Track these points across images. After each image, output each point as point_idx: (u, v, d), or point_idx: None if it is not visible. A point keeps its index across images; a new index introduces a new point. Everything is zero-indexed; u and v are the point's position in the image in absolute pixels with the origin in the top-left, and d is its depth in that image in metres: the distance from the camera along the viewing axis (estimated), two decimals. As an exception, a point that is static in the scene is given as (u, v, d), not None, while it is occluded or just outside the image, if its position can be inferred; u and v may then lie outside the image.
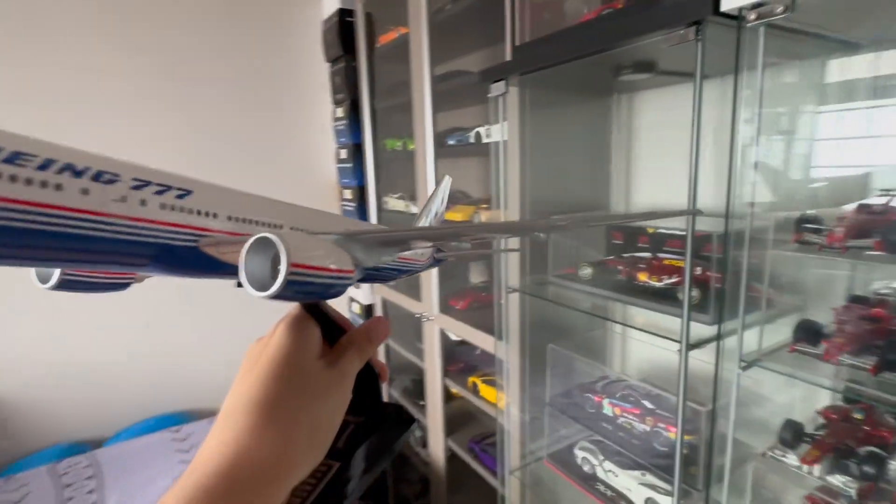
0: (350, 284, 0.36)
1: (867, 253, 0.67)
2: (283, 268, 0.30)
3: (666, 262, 1.09)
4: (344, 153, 2.21)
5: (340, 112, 2.17)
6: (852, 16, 0.68)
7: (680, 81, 1.15)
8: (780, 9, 0.60)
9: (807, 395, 0.88)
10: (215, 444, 0.31)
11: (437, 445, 1.91)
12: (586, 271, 1.19)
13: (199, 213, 0.35)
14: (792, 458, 0.76)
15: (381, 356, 2.17)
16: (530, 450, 1.40)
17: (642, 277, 1.08)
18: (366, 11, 1.96)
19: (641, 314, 1.06)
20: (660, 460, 1.06)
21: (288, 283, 0.30)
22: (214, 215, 0.35)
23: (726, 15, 0.66)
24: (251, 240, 0.31)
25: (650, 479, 1.11)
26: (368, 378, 0.44)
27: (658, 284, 1.06)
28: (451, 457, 1.89)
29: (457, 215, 1.64)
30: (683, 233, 1.06)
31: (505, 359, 1.35)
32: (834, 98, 0.83)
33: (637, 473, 1.14)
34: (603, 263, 1.22)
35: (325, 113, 2.32)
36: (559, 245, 1.29)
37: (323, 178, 2.40)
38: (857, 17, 0.69)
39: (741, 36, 0.66)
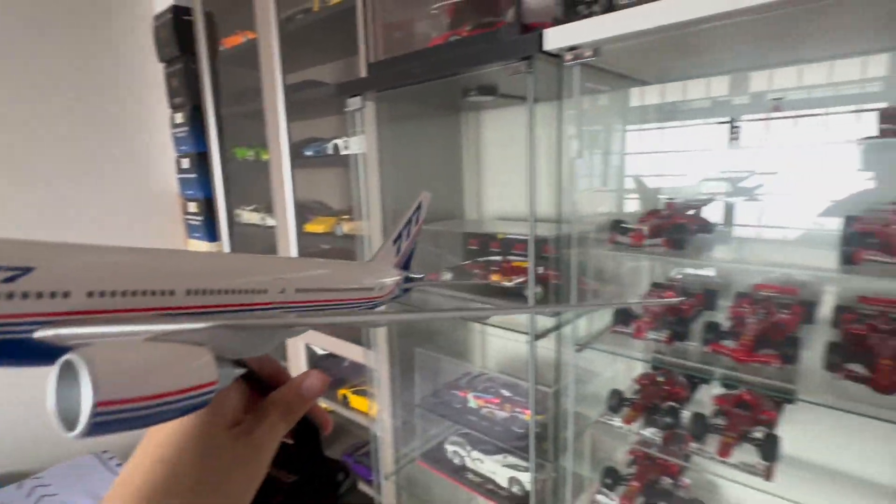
0: (211, 397, 0.29)
1: (659, 249, 0.85)
2: (84, 409, 0.23)
3: (514, 263, 1.22)
4: (186, 162, 2.02)
5: (180, 118, 1.97)
6: (644, 61, 0.86)
7: (519, 103, 1.30)
8: (588, 52, 0.73)
9: (627, 368, 1.07)
10: None
11: (308, 465, 1.84)
12: (447, 276, 1.28)
13: (40, 295, 0.27)
14: (617, 421, 0.92)
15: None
16: (404, 453, 1.44)
17: (495, 278, 1.19)
18: (206, 10, 1.82)
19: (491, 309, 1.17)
20: (519, 442, 1.19)
21: (97, 427, 0.23)
22: (66, 294, 0.27)
23: (550, 53, 0.78)
24: (56, 366, 0.25)
25: (511, 460, 1.23)
26: (306, 432, 0.39)
27: (509, 284, 1.18)
28: (325, 474, 1.85)
29: (318, 227, 1.62)
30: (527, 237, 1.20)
31: (374, 367, 1.38)
32: (637, 119, 1.03)
33: (500, 457, 1.25)
34: (462, 268, 1.31)
35: (161, 118, 2.09)
36: (422, 252, 1.35)
37: (162, 190, 2.15)
38: (646, 63, 0.87)
39: (561, 70, 0.79)
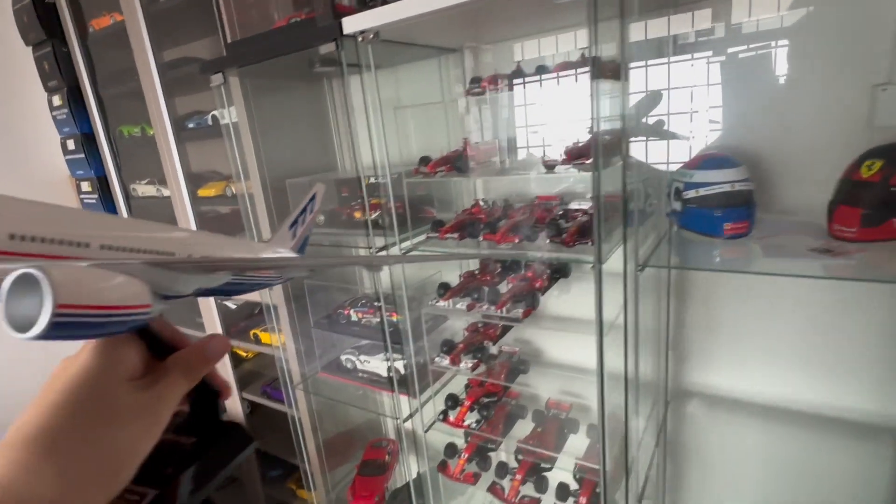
0: (147, 318, 0.34)
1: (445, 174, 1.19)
2: (45, 309, 0.27)
3: (373, 201, 1.52)
4: (71, 144, 2.10)
5: (58, 100, 2.04)
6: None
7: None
8: (372, 36, 1.02)
9: (453, 266, 1.43)
10: None
11: (234, 404, 2.11)
12: (321, 218, 1.56)
13: None
14: (443, 303, 1.27)
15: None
16: (309, 369, 1.75)
17: (357, 215, 1.50)
18: (68, -7, 1.88)
19: (352, 239, 1.49)
20: (390, 340, 1.53)
21: (56, 326, 0.27)
22: None
23: (351, 35, 1.06)
24: (12, 276, 0.28)
25: (389, 355, 1.58)
26: (205, 396, 0.42)
27: (368, 218, 1.49)
28: (252, 409, 2.12)
29: (210, 191, 1.82)
30: (383, 181, 1.51)
31: (271, 303, 1.65)
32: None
33: (381, 356, 1.60)
34: (333, 210, 1.60)
35: (38, 102, 2.13)
36: (299, 202, 1.62)
37: (51, 173, 2.21)
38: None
39: (359, 47, 1.07)
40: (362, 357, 1.64)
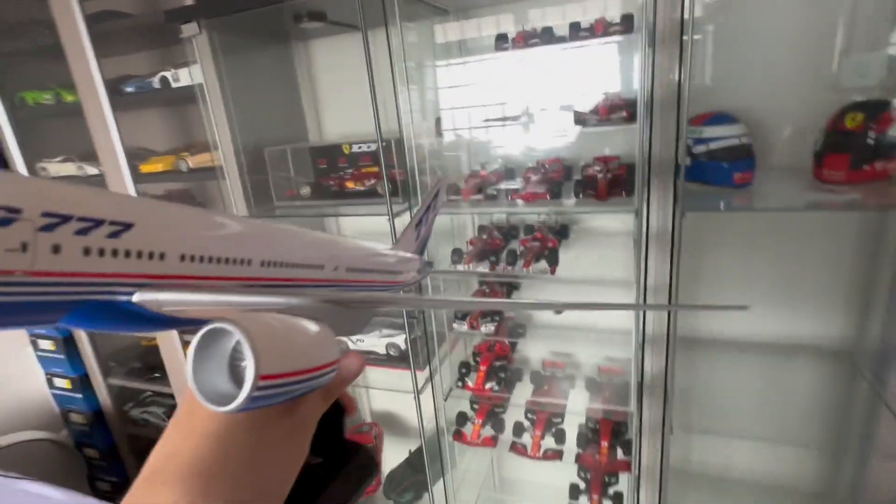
0: (335, 375, 0.30)
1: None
2: (248, 385, 0.23)
3: (364, 170, 1.44)
4: (-49, 114, 1.70)
5: (-72, 59, 1.63)
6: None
7: (344, 31, 1.47)
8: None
9: (462, 228, 1.42)
10: None
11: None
12: (306, 190, 1.45)
13: (139, 255, 0.25)
14: (463, 267, 1.26)
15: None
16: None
17: (350, 185, 1.41)
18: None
19: (352, 209, 1.41)
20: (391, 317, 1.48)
21: (254, 399, 0.24)
22: (162, 256, 0.26)
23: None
24: (200, 334, 0.24)
25: (386, 331, 1.52)
26: (333, 414, 0.39)
27: (362, 188, 1.41)
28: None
29: (156, 166, 1.59)
30: (372, 148, 1.43)
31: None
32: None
33: (377, 332, 1.54)
34: (317, 182, 1.49)
35: None
36: (279, 173, 1.48)
37: (-82, 151, 1.77)
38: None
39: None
40: (353, 337, 1.56)
